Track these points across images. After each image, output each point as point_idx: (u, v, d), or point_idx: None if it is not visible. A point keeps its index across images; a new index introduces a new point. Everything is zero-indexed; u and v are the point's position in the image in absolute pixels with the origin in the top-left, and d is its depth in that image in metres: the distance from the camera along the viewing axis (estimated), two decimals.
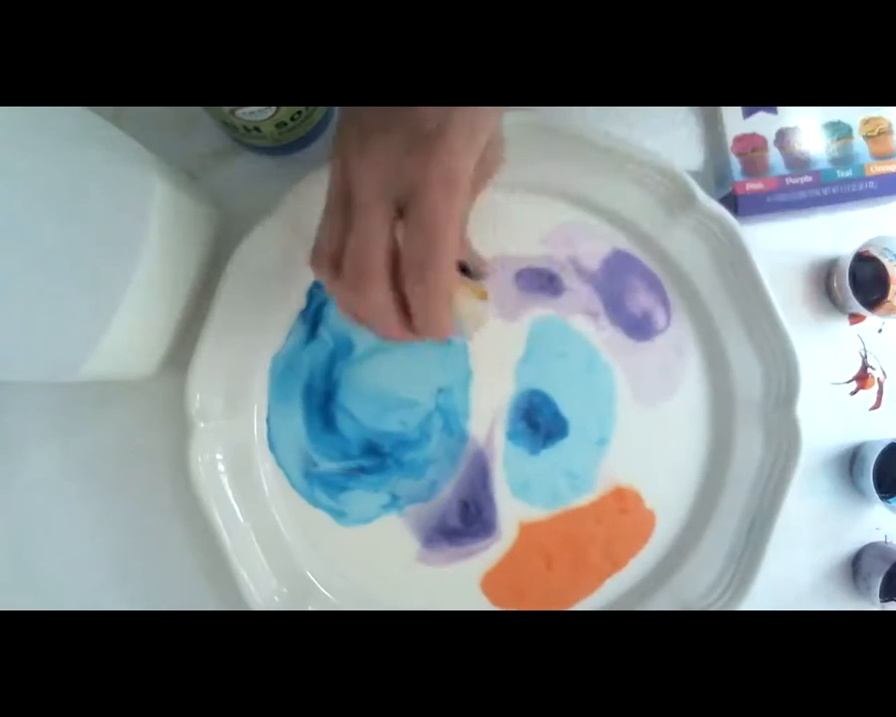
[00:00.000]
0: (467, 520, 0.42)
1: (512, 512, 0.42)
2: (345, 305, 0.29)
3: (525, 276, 0.43)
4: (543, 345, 0.43)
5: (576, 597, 0.43)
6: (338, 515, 0.42)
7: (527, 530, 0.42)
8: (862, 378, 0.45)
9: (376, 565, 0.42)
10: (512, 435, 0.42)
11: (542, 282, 0.43)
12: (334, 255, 0.27)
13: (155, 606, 0.42)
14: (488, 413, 0.42)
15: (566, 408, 0.42)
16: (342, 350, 0.42)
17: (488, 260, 0.35)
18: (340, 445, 0.42)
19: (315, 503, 0.42)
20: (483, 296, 0.33)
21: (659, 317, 0.43)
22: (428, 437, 0.42)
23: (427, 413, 0.42)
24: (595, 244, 0.43)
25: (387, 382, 0.42)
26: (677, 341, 0.43)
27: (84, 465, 0.42)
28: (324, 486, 0.42)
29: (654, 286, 0.43)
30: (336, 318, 0.42)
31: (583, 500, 0.42)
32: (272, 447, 0.42)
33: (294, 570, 0.41)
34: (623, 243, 0.43)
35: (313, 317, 0.42)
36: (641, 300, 0.43)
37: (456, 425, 0.42)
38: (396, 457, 0.42)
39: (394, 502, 0.42)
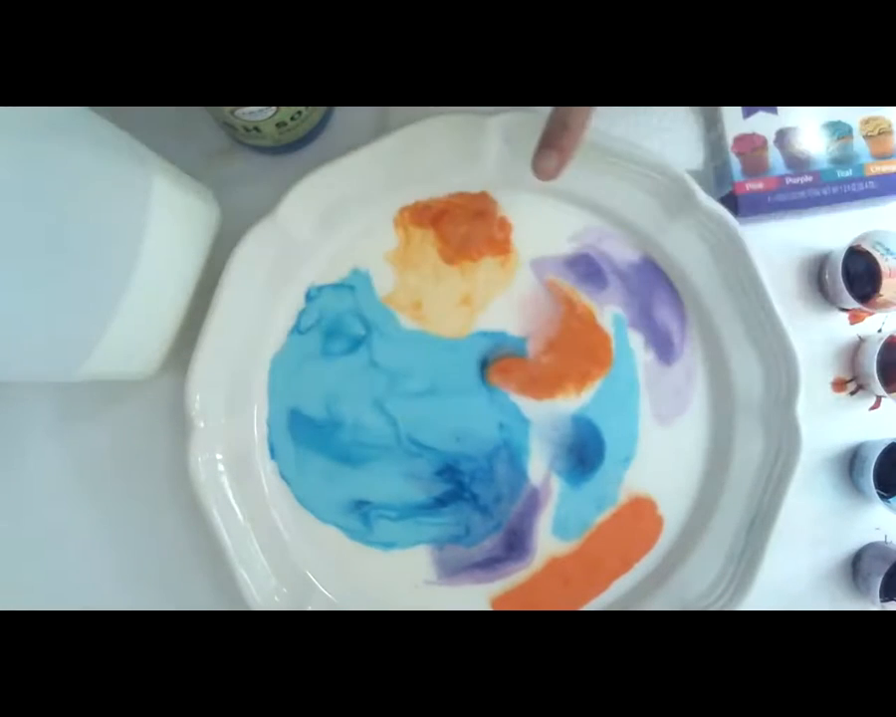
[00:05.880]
0: (509, 549, 0.42)
1: (545, 546, 0.42)
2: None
3: (578, 262, 0.43)
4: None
5: (585, 601, 0.43)
6: (386, 545, 0.42)
7: (553, 561, 0.43)
8: None
9: (384, 580, 0.42)
10: (562, 471, 0.42)
11: (590, 270, 0.43)
12: None
13: (155, 606, 0.41)
14: (547, 450, 0.42)
15: (607, 435, 0.43)
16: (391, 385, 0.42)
17: None
18: (412, 470, 0.42)
19: (335, 525, 0.42)
20: None
21: (676, 333, 0.43)
22: (495, 469, 0.42)
23: (495, 446, 0.42)
24: (609, 245, 0.43)
25: (448, 414, 0.42)
26: (690, 363, 0.43)
27: (83, 465, 0.42)
28: (394, 520, 0.42)
29: (672, 296, 0.43)
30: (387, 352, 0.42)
31: (606, 515, 0.43)
32: (273, 455, 0.42)
33: (294, 570, 0.41)
34: (630, 245, 0.43)
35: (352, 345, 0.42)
36: (665, 313, 0.43)
37: (519, 461, 0.42)
38: (473, 491, 0.42)
39: (462, 536, 0.42)
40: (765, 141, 0.43)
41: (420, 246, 0.42)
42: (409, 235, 0.42)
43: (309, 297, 0.42)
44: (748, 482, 0.42)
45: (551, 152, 0.34)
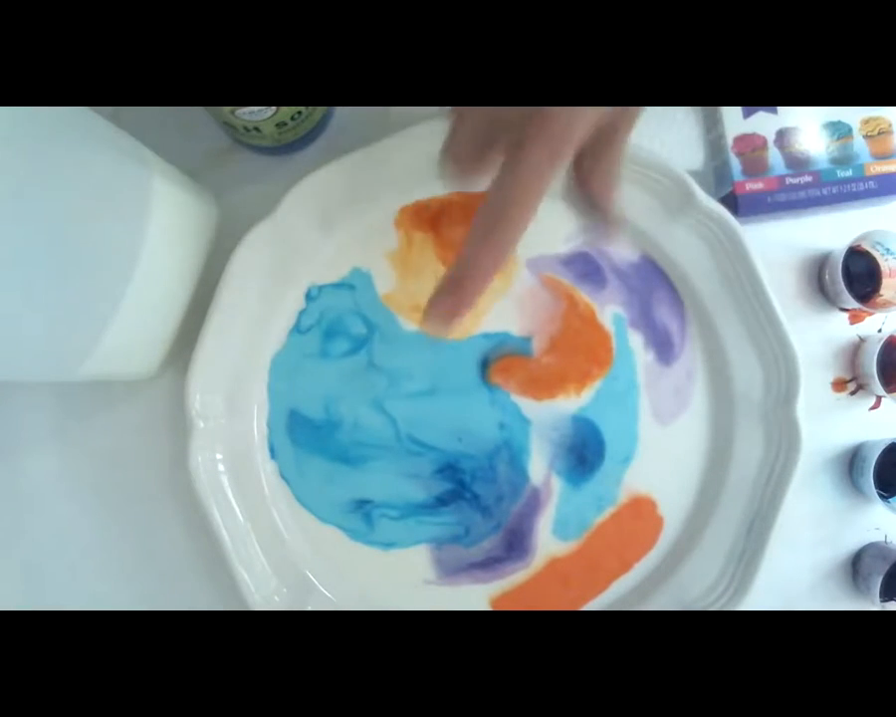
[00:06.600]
0: (509, 549, 0.42)
1: (545, 547, 0.42)
2: None
3: (575, 261, 0.43)
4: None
5: (584, 601, 0.43)
6: (385, 545, 0.42)
7: (553, 561, 0.43)
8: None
9: (384, 580, 0.42)
10: (562, 471, 0.42)
11: (588, 269, 0.43)
12: None
13: (155, 606, 0.41)
14: (547, 450, 0.42)
15: (607, 435, 0.43)
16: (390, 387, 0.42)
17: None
18: (410, 469, 0.42)
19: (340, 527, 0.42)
20: None
21: (676, 333, 0.43)
22: (496, 469, 0.42)
23: (496, 445, 0.42)
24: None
25: (449, 414, 0.42)
26: (690, 363, 0.43)
27: (83, 465, 0.42)
28: (395, 519, 0.42)
29: (672, 296, 0.43)
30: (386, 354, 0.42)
31: (606, 515, 0.43)
32: (273, 455, 0.42)
33: (294, 570, 0.41)
34: (630, 244, 0.43)
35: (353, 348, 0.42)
36: (664, 313, 0.43)
37: (520, 461, 0.42)
38: (474, 490, 0.42)
39: (462, 536, 0.42)
40: (765, 141, 0.43)
41: (420, 251, 0.42)
42: (410, 238, 0.42)
43: (309, 297, 0.42)
44: (748, 482, 0.42)
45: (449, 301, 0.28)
